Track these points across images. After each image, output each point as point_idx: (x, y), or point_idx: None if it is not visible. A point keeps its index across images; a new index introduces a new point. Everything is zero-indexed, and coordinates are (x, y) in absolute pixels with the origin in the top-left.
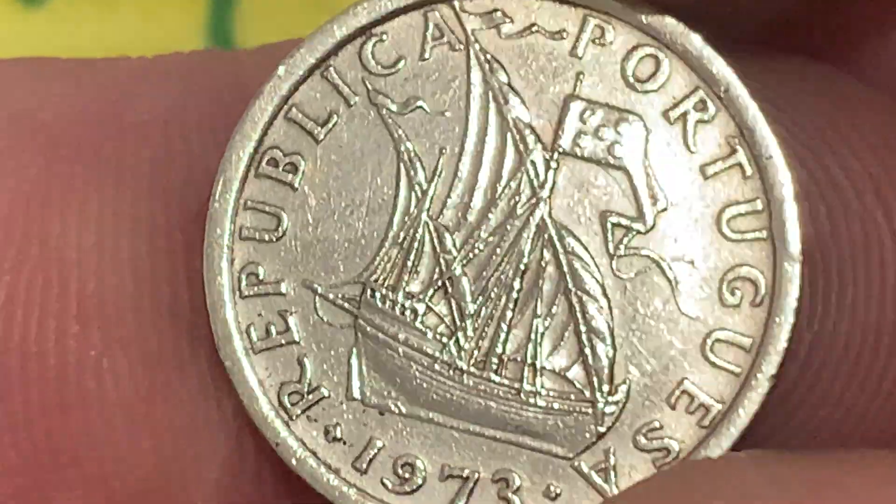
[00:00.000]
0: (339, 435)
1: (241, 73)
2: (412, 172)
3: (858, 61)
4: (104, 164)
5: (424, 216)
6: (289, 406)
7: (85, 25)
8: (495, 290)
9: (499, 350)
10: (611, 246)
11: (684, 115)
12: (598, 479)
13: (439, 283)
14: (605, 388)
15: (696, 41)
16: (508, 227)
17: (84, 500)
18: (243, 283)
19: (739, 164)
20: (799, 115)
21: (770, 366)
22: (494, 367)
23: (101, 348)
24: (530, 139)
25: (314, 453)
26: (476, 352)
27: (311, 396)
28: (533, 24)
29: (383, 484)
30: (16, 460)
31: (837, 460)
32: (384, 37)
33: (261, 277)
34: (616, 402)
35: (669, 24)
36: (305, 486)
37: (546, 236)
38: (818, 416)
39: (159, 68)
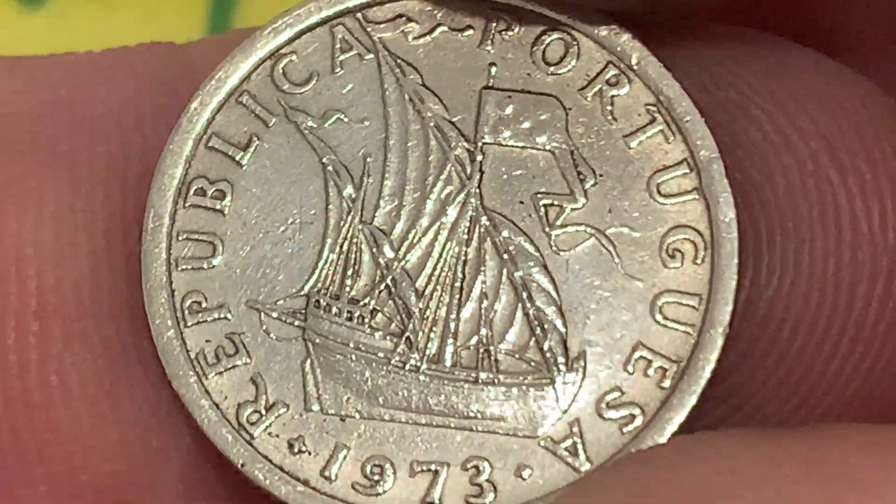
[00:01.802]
0: (303, 447)
1: (191, 64)
2: (339, 182)
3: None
4: (59, 159)
5: (357, 223)
6: (248, 426)
7: (85, 25)
8: (438, 284)
9: (451, 342)
10: (547, 225)
11: (600, 90)
12: (566, 454)
13: (382, 285)
14: (562, 362)
15: (601, 19)
16: (443, 221)
17: (51, 495)
18: (186, 312)
19: (661, 131)
20: (753, 79)
21: (721, 319)
22: (449, 359)
23: (63, 344)
24: (451, 134)
25: (281, 468)
26: (429, 347)
27: (270, 413)
28: (438, 24)
29: (354, 488)
30: None
31: (832, 436)
32: (293, 56)
33: (204, 305)
34: (574, 376)
35: (573, 6)
36: None
37: (481, 225)
38: (777, 376)
39: (109, 62)
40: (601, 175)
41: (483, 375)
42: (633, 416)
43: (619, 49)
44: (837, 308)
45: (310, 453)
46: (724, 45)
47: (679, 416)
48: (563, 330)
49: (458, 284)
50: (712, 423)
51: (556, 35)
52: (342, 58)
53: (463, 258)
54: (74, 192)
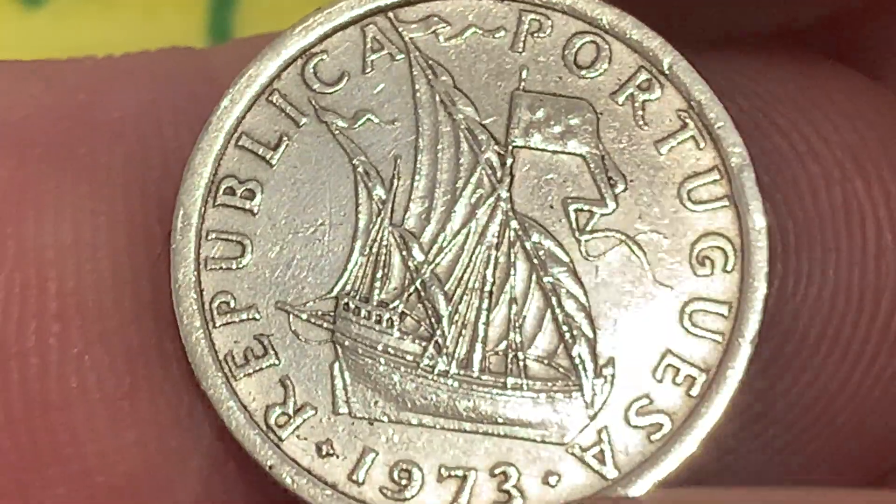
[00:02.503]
0: (331, 450)
1: (210, 68)
2: (369, 184)
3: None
4: (78, 162)
5: (387, 225)
6: (276, 428)
7: (85, 25)
8: (468, 288)
9: (480, 347)
10: (577, 231)
11: (632, 95)
12: (594, 462)
13: (411, 288)
14: (591, 369)
15: (633, 23)
16: (473, 225)
17: (68, 496)
18: (215, 313)
19: (692, 137)
20: (777, 88)
21: (750, 328)
22: (478, 364)
23: (83, 346)
24: (482, 137)
25: (309, 471)
26: (458, 351)
27: (298, 415)
28: (470, 25)
29: (382, 493)
30: None
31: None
32: (324, 55)
33: (232, 305)
34: (603, 383)
35: (605, 9)
36: None
37: (511, 230)
38: (802, 383)
39: (127, 67)
40: (632, 181)
41: (511, 381)
42: (661, 425)
43: (650, 53)
44: (862, 316)
45: (338, 457)
46: (748, 55)
47: (707, 425)
48: (591, 336)
49: (487, 289)
50: (735, 431)
51: (587, 38)
52: (373, 58)
53: (493, 262)
54: (94, 195)
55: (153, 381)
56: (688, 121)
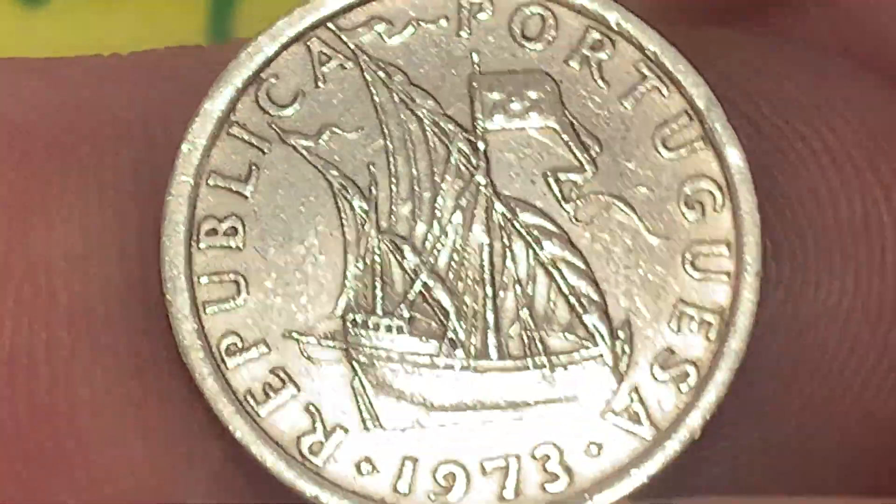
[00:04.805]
0: (370, 467)
1: (217, 67)
2: (349, 197)
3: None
4: (83, 165)
5: (375, 234)
6: (312, 456)
7: (85, 25)
8: (469, 279)
9: (493, 334)
10: (563, 200)
11: (586, 57)
12: (631, 424)
13: (413, 291)
14: (606, 334)
15: None
16: (460, 216)
17: None
18: (225, 355)
19: (655, 87)
20: (793, 89)
21: (753, 261)
22: (495, 351)
23: (93, 355)
24: (449, 127)
25: (354, 492)
26: (473, 343)
27: (330, 439)
28: (411, 20)
29: (430, 498)
30: (5, 469)
31: None
32: (273, 79)
33: (240, 345)
34: (623, 344)
35: None
36: None
37: (499, 213)
38: (819, 393)
39: (132, 65)
40: (605, 140)
41: (532, 361)
42: (688, 374)
43: (596, 13)
44: (881, 325)
45: (378, 471)
46: (764, 56)
47: (732, 365)
48: (601, 301)
49: (488, 276)
50: (753, 443)
51: (530, 10)
52: (324, 70)
53: (488, 248)
54: (102, 199)
55: (163, 391)
56: (646, 71)
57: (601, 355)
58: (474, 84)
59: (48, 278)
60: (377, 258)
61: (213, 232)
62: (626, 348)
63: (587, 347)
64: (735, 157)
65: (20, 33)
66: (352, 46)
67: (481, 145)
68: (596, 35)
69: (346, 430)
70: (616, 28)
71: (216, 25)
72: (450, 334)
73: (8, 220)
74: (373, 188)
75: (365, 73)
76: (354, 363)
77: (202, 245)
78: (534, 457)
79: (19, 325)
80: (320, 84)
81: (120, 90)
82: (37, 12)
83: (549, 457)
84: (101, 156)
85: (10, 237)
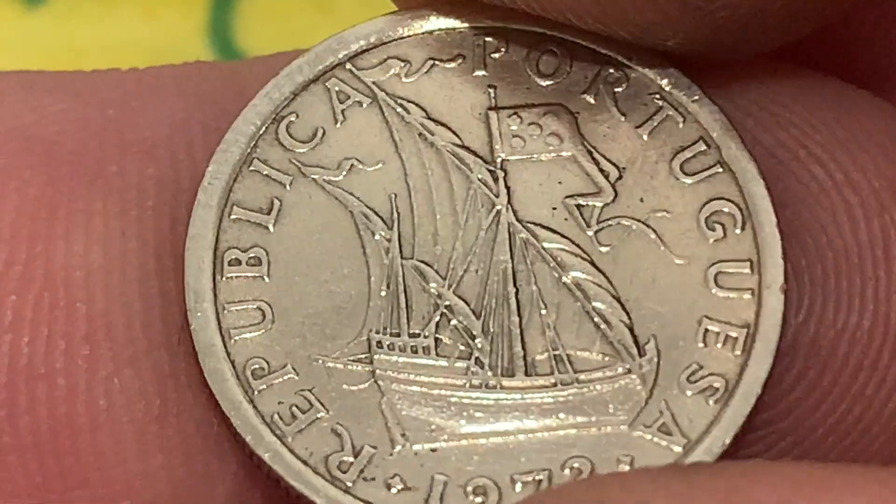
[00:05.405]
0: (402, 485)
1: (240, 85)
2: (371, 226)
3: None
4: (107, 181)
5: (398, 260)
6: (342, 475)
7: (85, 25)
8: (493, 302)
9: (520, 354)
10: (585, 226)
11: (600, 90)
12: (661, 436)
13: (437, 315)
14: (634, 351)
15: (586, 33)
16: (482, 243)
17: None
18: (251, 379)
19: (670, 116)
20: (811, 118)
21: (776, 278)
22: (523, 369)
23: (112, 368)
24: (469, 159)
25: None
26: (500, 363)
27: (360, 459)
28: (429, 59)
29: None
30: (23, 482)
31: (746, 472)
32: (293, 116)
33: (267, 370)
34: (650, 360)
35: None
36: None
37: (521, 239)
38: (838, 413)
39: (156, 81)
40: (624, 167)
41: (560, 378)
42: (717, 388)
43: (610, 51)
44: None
45: (409, 489)
46: (782, 84)
47: (760, 374)
48: (627, 321)
49: (512, 300)
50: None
51: (545, 47)
52: (343, 107)
53: (511, 273)
54: (124, 215)
55: (183, 404)
56: (661, 103)
57: (629, 370)
58: (492, 116)
59: (68, 290)
60: (401, 284)
61: (237, 262)
62: (654, 364)
63: (614, 365)
64: (754, 181)
65: (20, 33)
66: (369, 84)
67: (501, 174)
68: (611, 70)
69: (374, 449)
70: (629, 64)
71: (216, 25)
72: (476, 354)
73: (30, 232)
74: (394, 217)
75: (383, 110)
76: (381, 383)
77: (226, 276)
78: (565, 471)
79: (37, 336)
80: (340, 121)
81: (144, 108)
82: (37, 12)
83: (581, 471)
84: (126, 172)
85: (32, 248)
